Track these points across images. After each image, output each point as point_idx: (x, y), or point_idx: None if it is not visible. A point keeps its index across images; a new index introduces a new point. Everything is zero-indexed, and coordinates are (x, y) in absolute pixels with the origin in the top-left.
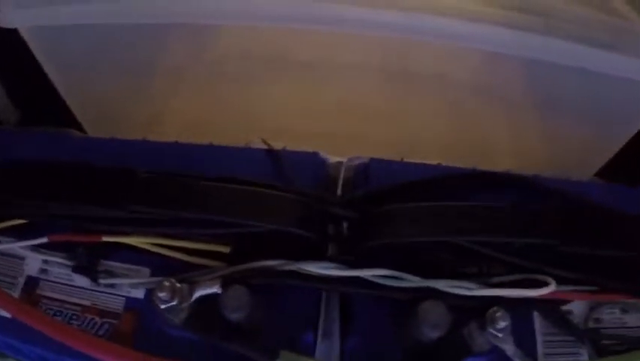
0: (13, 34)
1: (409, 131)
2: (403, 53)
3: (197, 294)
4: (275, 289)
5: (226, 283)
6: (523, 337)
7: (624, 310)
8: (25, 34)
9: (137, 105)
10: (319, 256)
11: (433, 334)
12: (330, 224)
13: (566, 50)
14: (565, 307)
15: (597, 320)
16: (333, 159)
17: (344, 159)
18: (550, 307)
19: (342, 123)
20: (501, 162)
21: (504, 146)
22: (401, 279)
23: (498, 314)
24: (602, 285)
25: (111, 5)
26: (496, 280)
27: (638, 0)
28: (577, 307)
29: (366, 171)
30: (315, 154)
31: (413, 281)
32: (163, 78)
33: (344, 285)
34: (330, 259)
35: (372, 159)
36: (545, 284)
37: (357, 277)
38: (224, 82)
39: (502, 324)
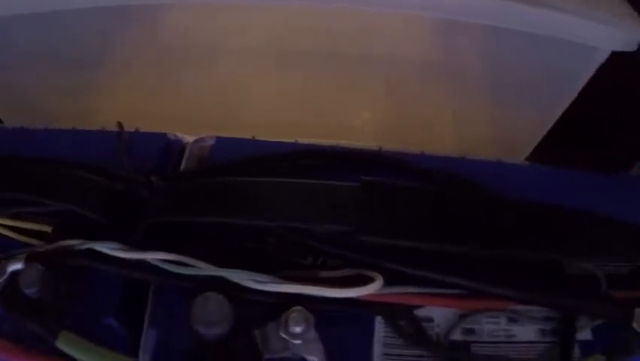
0: None
1: (343, 116)
2: (332, 33)
3: (8, 270)
4: (84, 270)
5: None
6: (357, 347)
7: (512, 320)
8: None
9: (68, 99)
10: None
11: (207, 331)
12: (126, 203)
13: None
14: (423, 313)
15: (469, 332)
16: (186, 139)
17: (191, 140)
18: (394, 312)
19: (274, 111)
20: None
21: (441, 129)
22: (186, 265)
23: (293, 315)
24: (473, 288)
25: None
26: (325, 274)
27: None
28: (440, 314)
29: (210, 152)
30: (163, 135)
31: (199, 269)
32: (98, 70)
33: (130, 268)
34: (116, 239)
35: (218, 138)
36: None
37: (143, 261)
38: (160, 72)
39: (296, 329)
